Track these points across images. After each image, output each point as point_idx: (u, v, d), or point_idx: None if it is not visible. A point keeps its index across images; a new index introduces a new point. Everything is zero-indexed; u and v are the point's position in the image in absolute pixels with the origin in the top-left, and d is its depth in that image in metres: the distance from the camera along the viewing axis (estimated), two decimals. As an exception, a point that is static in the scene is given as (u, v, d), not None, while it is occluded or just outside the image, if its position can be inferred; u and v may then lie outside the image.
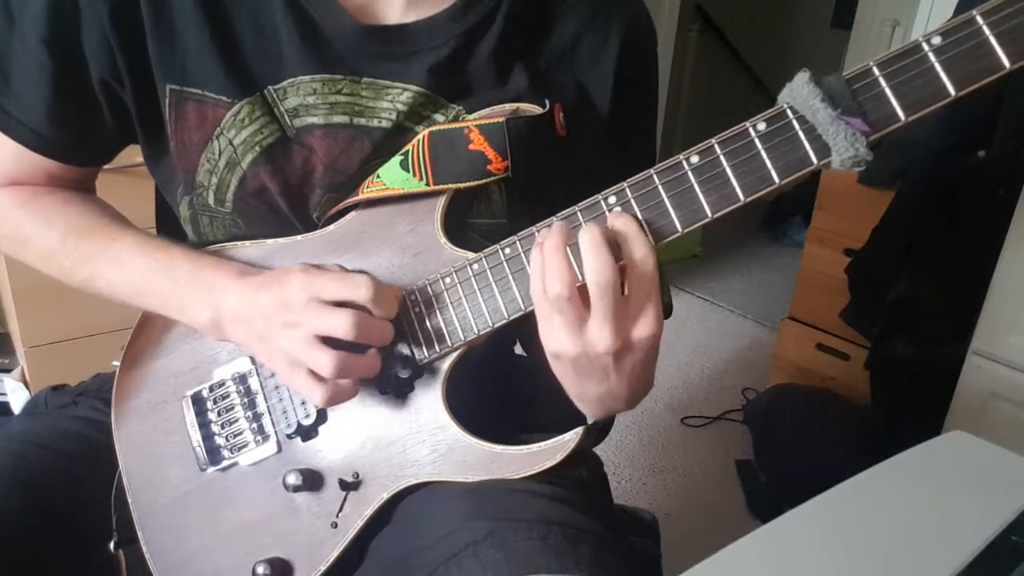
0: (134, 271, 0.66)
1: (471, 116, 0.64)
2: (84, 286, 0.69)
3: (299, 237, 0.67)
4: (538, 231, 0.59)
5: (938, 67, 0.49)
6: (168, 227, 0.77)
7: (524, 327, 0.61)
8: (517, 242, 0.60)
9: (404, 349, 0.63)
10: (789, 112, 0.53)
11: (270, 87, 0.65)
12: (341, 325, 0.57)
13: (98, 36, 0.63)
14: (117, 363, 0.73)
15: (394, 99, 0.65)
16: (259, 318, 0.60)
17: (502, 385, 0.78)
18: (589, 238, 0.54)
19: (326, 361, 0.58)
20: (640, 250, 0.54)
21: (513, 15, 0.66)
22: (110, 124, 0.68)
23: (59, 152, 0.69)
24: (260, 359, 0.66)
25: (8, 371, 1.71)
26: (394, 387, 0.64)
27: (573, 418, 0.77)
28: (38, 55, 0.63)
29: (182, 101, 0.65)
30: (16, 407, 1.63)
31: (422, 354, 0.63)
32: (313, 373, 0.59)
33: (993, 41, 0.48)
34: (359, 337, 0.58)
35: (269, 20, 0.64)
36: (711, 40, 3.75)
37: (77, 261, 0.68)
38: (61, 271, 0.70)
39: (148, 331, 0.72)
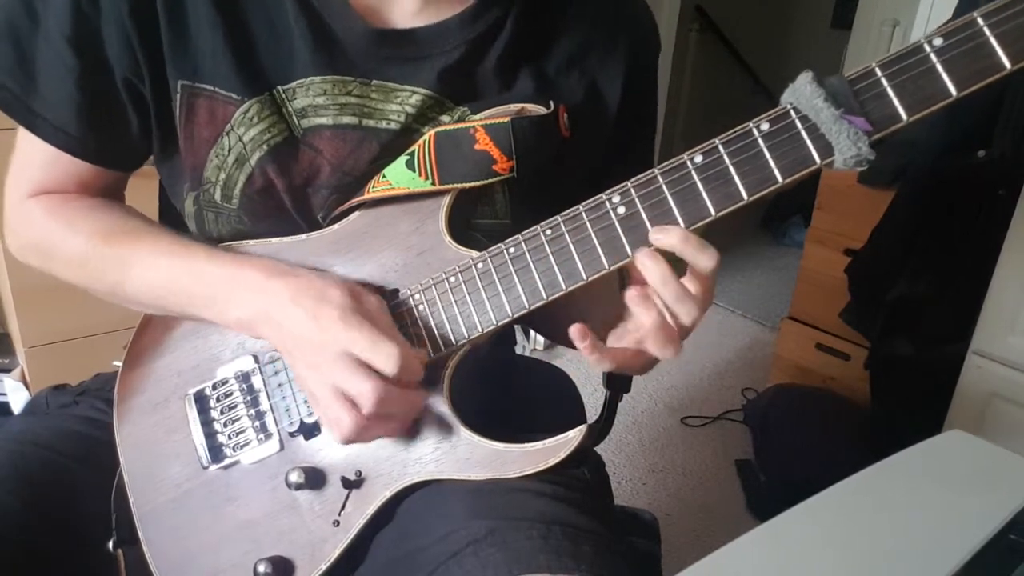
0: (158, 272, 0.66)
1: (477, 116, 0.64)
2: (112, 292, 0.68)
3: (303, 236, 0.67)
4: (542, 231, 0.59)
5: (939, 68, 0.50)
6: (171, 226, 0.77)
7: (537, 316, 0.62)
8: (522, 241, 0.60)
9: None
10: (792, 112, 0.53)
11: (279, 87, 0.65)
12: (365, 396, 0.57)
13: (119, 35, 0.63)
14: (118, 363, 0.73)
15: (403, 102, 0.65)
16: (288, 334, 0.60)
17: (505, 384, 0.78)
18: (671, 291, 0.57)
19: (347, 421, 0.58)
20: (711, 260, 0.57)
21: (523, 22, 0.66)
22: (135, 124, 0.68)
23: (88, 152, 0.69)
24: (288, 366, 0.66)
25: (8, 371, 1.71)
26: None
27: (575, 417, 0.77)
28: (64, 55, 0.63)
29: (193, 97, 0.65)
30: (16, 407, 1.63)
31: (427, 352, 0.64)
32: None
33: (994, 42, 0.49)
34: (378, 412, 0.58)
35: (282, 21, 0.64)
36: (711, 40, 3.75)
37: (103, 265, 0.68)
38: (90, 277, 0.69)
39: (151, 329, 0.72)
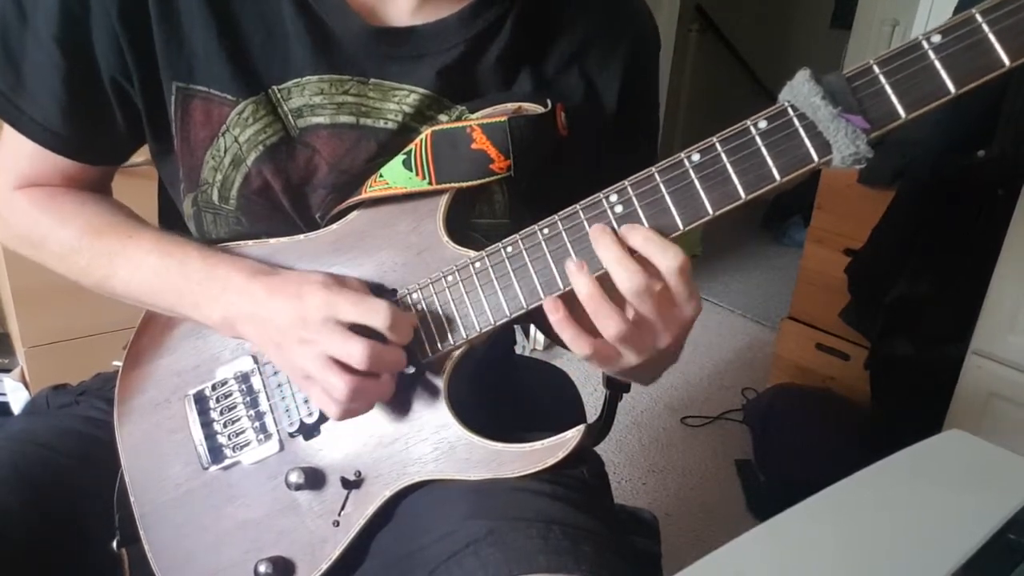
0: (148, 269, 0.66)
1: (473, 115, 0.64)
2: (100, 285, 0.69)
3: (301, 237, 0.67)
4: (540, 230, 0.59)
5: (938, 65, 0.50)
6: (170, 227, 0.77)
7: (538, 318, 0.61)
8: (519, 240, 0.60)
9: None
10: (790, 110, 0.53)
11: (274, 87, 0.65)
12: (356, 355, 0.57)
13: (108, 35, 0.63)
14: (117, 363, 0.73)
15: (401, 101, 0.65)
16: (272, 326, 0.60)
17: (505, 384, 0.78)
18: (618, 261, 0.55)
19: (340, 386, 0.58)
20: (675, 259, 0.55)
21: (522, 21, 0.66)
22: (121, 123, 0.68)
23: (73, 150, 0.69)
24: (273, 362, 0.66)
25: (8, 371, 1.71)
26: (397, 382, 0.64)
27: (575, 417, 0.77)
28: (51, 54, 0.64)
29: (188, 99, 0.65)
30: (16, 407, 1.63)
31: (425, 352, 0.64)
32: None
33: (992, 39, 0.48)
34: (371, 368, 0.58)
35: (277, 20, 0.64)
36: (711, 40, 3.75)
37: (93, 259, 0.68)
38: (78, 270, 0.69)
39: (151, 330, 0.72)
